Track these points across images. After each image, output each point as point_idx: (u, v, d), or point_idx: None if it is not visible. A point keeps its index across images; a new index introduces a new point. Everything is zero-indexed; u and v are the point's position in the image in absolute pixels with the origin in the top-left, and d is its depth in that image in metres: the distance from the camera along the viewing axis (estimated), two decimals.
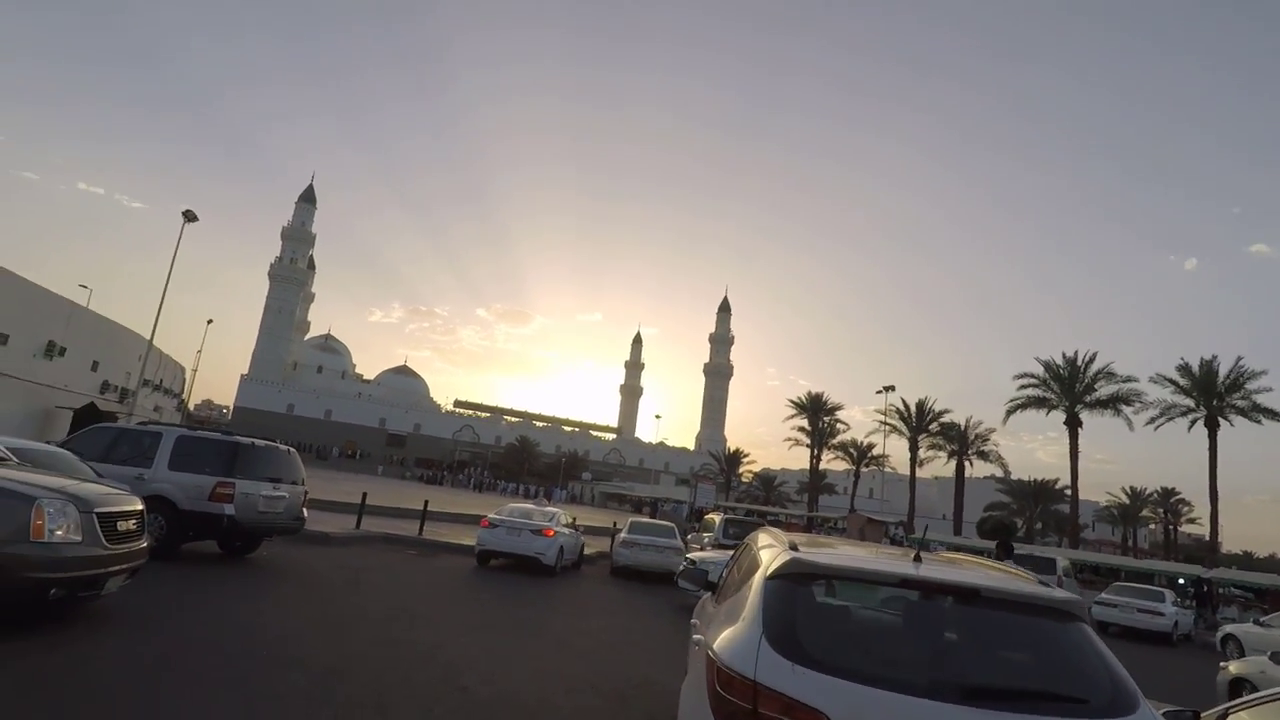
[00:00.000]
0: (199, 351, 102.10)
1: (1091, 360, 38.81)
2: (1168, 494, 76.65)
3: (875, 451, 62.80)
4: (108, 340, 34.32)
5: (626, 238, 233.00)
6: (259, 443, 10.78)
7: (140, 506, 6.73)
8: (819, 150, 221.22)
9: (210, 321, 76.84)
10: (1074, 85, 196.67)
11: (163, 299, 32.70)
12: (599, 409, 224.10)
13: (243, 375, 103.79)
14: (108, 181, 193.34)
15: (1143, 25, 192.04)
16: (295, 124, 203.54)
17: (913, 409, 48.72)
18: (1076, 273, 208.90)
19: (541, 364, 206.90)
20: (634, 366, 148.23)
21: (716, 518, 20.34)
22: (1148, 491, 76.54)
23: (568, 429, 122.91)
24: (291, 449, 11.63)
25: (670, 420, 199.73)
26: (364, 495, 17.45)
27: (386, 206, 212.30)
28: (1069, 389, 39.07)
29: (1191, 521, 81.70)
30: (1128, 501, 76.17)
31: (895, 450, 61.48)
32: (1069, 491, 66.00)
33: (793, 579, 2.97)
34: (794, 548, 3.19)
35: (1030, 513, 60.45)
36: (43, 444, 9.69)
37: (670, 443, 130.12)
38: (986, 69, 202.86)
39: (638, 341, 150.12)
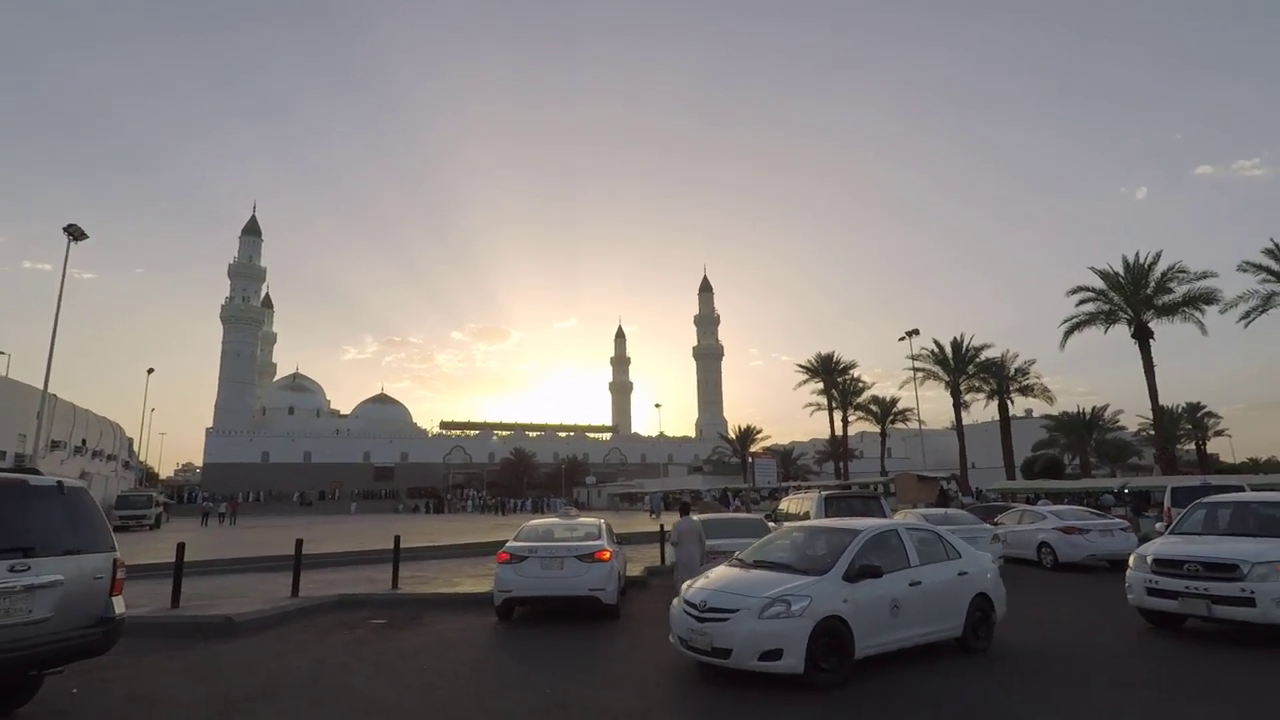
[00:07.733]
0: (152, 410, 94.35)
1: (1155, 261, 33.73)
2: (1194, 409, 72.84)
3: (899, 406, 58.01)
4: None
5: (593, 236, 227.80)
6: None
7: None
8: (783, 123, 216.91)
9: (151, 371, 68.01)
10: (1033, 31, 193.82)
11: (54, 336, 26.61)
12: (592, 412, 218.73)
13: (208, 429, 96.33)
14: (53, 256, 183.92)
15: None
16: (234, 161, 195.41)
17: (948, 349, 43.44)
18: (1054, 208, 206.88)
19: (525, 377, 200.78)
20: (620, 362, 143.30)
21: (804, 499, 14.62)
22: (1179, 409, 72.65)
23: (562, 435, 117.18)
24: (64, 481, 5.65)
25: (665, 411, 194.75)
26: (299, 543, 11.56)
27: (342, 236, 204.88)
28: (1133, 296, 33.96)
29: (1219, 434, 77.98)
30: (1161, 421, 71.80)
31: (917, 401, 56.67)
32: (1118, 420, 61.84)
33: None
34: None
35: (1084, 446, 55.38)
36: None
37: (670, 433, 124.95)
38: (945, 23, 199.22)
39: (620, 337, 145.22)
